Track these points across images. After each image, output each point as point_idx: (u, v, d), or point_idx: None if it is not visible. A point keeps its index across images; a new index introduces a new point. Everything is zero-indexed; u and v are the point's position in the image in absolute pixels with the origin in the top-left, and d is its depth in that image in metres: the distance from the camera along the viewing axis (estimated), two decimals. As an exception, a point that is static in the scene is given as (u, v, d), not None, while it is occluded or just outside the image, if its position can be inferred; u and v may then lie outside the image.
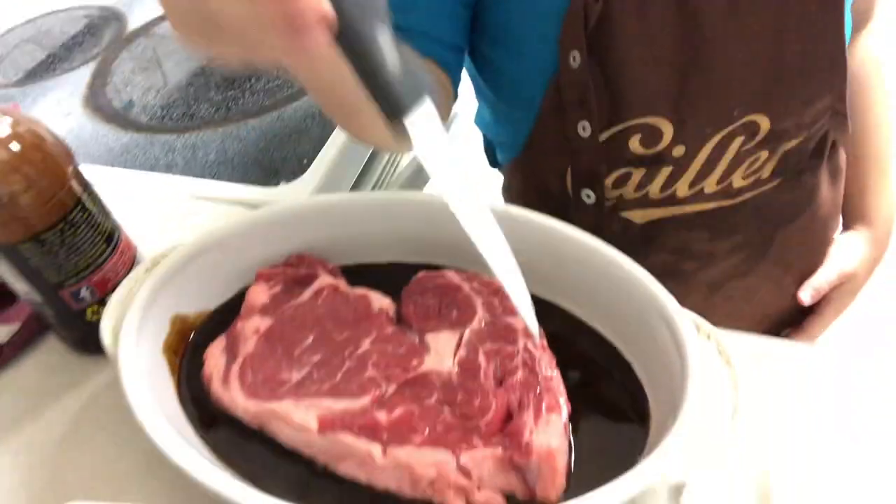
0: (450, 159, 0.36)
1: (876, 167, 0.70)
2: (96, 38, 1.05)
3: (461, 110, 1.00)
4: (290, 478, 0.43)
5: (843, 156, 0.70)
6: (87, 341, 0.53)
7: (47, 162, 0.45)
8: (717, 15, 0.51)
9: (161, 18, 1.07)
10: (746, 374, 0.43)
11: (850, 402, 0.49)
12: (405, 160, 0.90)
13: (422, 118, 0.33)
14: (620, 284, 0.48)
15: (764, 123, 0.56)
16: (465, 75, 0.68)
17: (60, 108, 0.89)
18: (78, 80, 0.95)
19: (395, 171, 0.88)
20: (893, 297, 1.23)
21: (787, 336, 0.78)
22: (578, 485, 0.41)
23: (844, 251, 0.72)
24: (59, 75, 0.97)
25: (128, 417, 0.50)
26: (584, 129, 0.57)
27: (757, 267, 0.68)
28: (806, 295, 0.71)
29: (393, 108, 0.33)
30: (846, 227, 0.75)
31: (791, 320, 0.76)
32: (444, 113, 0.60)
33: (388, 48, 0.32)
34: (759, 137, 0.57)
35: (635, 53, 0.53)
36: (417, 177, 0.87)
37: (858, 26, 0.67)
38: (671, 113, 0.56)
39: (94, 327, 0.51)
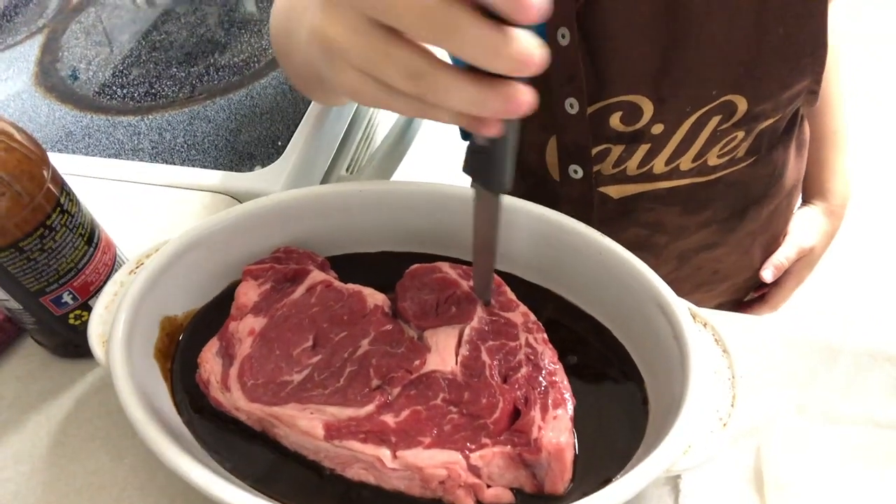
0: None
1: (833, 144, 0.73)
2: (40, 8, 0.99)
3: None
4: (295, 481, 0.43)
5: (807, 128, 0.72)
6: (69, 346, 0.52)
7: (22, 164, 0.42)
8: None
9: (110, -14, 1.01)
10: (735, 352, 0.44)
11: (826, 371, 0.51)
12: (377, 138, 0.89)
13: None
14: (617, 274, 0.48)
15: (742, 104, 0.57)
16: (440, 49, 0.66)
17: (7, 88, 0.84)
18: (24, 54, 0.89)
19: (368, 149, 0.87)
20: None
21: (752, 301, 0.81)
22: (583, 472, 0.43)
23: (803, 226, 0.76)
24: (2, 50, 0.91)
25: (119, 423, 0.50)
26: (573, 106, 0.57)
27: (726, 239, 0.70)
28: (768, 273, 0.74)
29: (498, 187, 0.40)
30: (805, 200, 0.78)
31: (755, 286, 0.79)
32: None
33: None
34: (736, 117, 0.58)
35: (621, 32, 0.53)
36: (392, 154, 0.86)
37: None
38: (652, 92, 0.56)
39: (76, 332, 0.50)
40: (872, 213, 1.60)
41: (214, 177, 0.68)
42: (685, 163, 0.61)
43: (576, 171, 0.61)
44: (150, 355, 0.47)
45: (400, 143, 0.87)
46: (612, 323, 0.50)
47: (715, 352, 0.44)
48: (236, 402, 0.44)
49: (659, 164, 0.61)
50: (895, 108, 2.04)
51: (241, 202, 0.65)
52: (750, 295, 0.81)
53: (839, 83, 0.72)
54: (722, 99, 0.56)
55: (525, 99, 0.32)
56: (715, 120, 0.58)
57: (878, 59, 2.16)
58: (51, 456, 0.48)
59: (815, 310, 0.81)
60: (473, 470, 0.40)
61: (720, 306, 0.80)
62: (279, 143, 0.72)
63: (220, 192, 0.67)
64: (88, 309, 0.49)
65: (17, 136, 0.43)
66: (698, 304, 0.48)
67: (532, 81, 0.58)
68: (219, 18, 0.92)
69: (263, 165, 0.69)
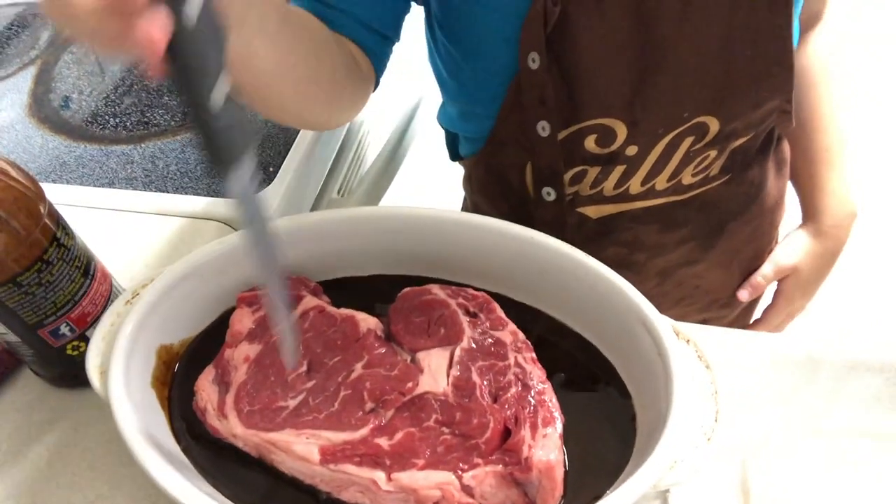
0: (258, 216, 0.39)
1: (823, 163, 0.73)
2: (33, 39, 1.00)
3: (424, 99, 1.00)
4: (293, 505, 0.44)
5: (786, 147, 0.73)
6: (67, 377, 0.52)
7: (19, 201, 0.43)
8: (670, 21, 0.53)
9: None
10: (718, 367, 0.46)
11: (816, 388, 0.52)
12: (367, 161, 0.90)
13: (241, 175, 0.36)
14: (602, 292, 0.50)
15: (713, 125, 0.59)
16: (429, 71, 0.68)
17: (1, 119, 0.85)
18: (17, 86, 0.90)
19: (358, 172, 0.88)
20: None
21: (745, 328, 0.82)
22: (574, 489, 0.44)
23: (785, 247, 0.75)
24: (-4, 81, 0.92)
25: (117, 452, 0.50)
26: (544, 128, 0.58)
27: (705, 255, 0.71)
28: (744, 293, 0.75)
29: (216, 161, 0.34)
30: (802, 221, 0.78)
31: (738, 305, 0.79)
32: (361, 94, 0.60)
33: (222, 104, 0.33)
34: (708, 137, 0.60)
35: (592, 57, 0.55)
36: (382, 176, 0.87)
37: (810, 25, 0.70)
38: (625, 115, 0.58)
39: (74, 362, 0.51)
40: (867, 218, 1.59)
41: (207, 204, 0.69)
42: (660, 182, 0.63)
43: (549, 194, 0.63)
44: (148, 384, 0.48)
45: (389, 165, 0.89)
46: (600, 340, 0.52)
47: (697, 367, 0.45)
48: (233, 429, 0.45)
49: (635, 185, 0.63)
50: (895, 108, 2.05)
51: (234, 228, 0.67)
52: (734, 313, 0.82)
53: (832, 100, 0.71)
54: (694, 121, 0.58)
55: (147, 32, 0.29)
56: (688, 141, 0.59)
57: (878, 59, 2.18)
58: (50, 486, 0.49)
59: (795, 323, 0.81)
60: (466, 490, 0.41)
61: (705, 322, 0.80)
62: (270, 169, 0.73)
63: (213, 219, 0.68)
64: (86, 340, 0.50)
65: (14, 172, 0.44)
66: (681, 318, 0.50)
67: (510, 104, 0.60)
68: (209, 46, 0.94)
69: (255, 191, 0.70)
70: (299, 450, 0.42)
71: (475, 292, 0.52)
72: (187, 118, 0.33)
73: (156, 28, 0.29)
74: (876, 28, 2.25)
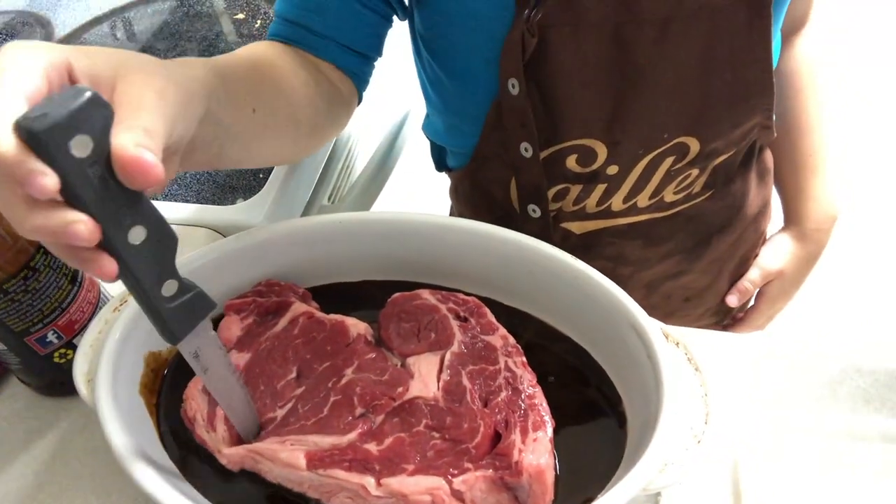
0: (224, 371, 0.43)
1: (807, 167, 0.73)
2: (21, 47, 1.00)
3: (413, 108, 1.00)
4: (282, 513, 0.43)
5: (768, 156, 0.73)
6: (54, 385, 0.52)
7: (5, 208, 0.43)
8: (647, 46, 0.53)
9: (91, 23, 1.02)
10: (708, 370, 0.46)
11: (802, 387, 0.52)
12: (358, 168, 0.90)
13: (196, 340, 0.39)
14: (591, 296, 0.50)
15: (694, 145, 0.59)
16: (416, 83, 0.68)
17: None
18: (6, 94, 0.90)
19: (349, 178, 0.88)
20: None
21: (727, 327, 0.82)
22: (565, 493, 0.43)
23: (769, 251, 0.76)
24: (-15, 89, 0.91)
25: (105, 461, 0.50)
26: (527, 149, 0.59)
27: (691, 267, 0.72)
28: (733, 299, 0.76)
29: (167, 336, 0.38)
30: (783, 225, 0.78)
31: (729, 310, 0.80)
32: (344, 118, 0.61)
33: (172, 294, 0.36)
34: (689, 157, 0.60)
35: (571, 81, 0.55)
36: (372, 183, 0.87)
37: (795, 28, 0.70)
38: (605, 136, 0.58)
39: (62, 370, 0.50)
40: (858, 220, 1.58)
41: (197, 210, 0.69)
42: (642, 200, 0.63)
43: (534, 211, 0.63)
44: (136, 391, 0.47)
45: (380, 172, 0.89)
46: (590, 345, 0.52)
47: (687, 370, 0.45)
48: (218, 445, 0.44)
49: (617, 202, 0.63)
50: (887, 109, 2.07)
51: (223, 235, 0.67)
52: (727, 319, 0.82)
53: (817, 104, 0.72)
54: (674, 141, 0.58)
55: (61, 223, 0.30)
56: (668, 160, 0.60)
57: (869, 60, 2.20)
58: (38, 494, 0.48)
59: (785, 325, 0.82)
60: (457, 495, 0.41)
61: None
62: (260, 176, 0.73)
63: (202, 226, 0.68)
64: (73, 347, 0.50)
65: None
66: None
67: (492, 124, 0.60)
68: (199, 54, 0.94)
69: (245, 198, 0.71)
70: (285, 457, 0.42)
71: (465, 297, 0.52)
72: (138, 302, 0.37)
73: (105, 262, 0.33)
74: (866, 29, 2.28)
